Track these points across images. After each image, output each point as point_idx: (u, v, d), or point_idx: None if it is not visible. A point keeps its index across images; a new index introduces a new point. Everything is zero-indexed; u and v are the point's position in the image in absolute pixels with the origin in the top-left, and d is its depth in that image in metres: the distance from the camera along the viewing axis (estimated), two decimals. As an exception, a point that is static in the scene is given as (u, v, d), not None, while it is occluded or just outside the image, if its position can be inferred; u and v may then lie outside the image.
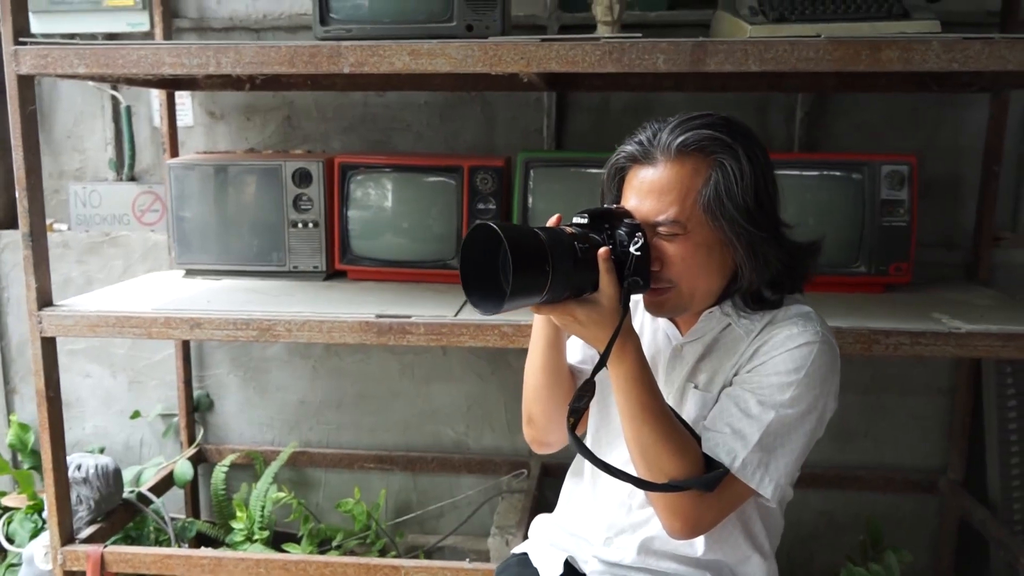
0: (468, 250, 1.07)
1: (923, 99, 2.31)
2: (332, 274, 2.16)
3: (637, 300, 1.34)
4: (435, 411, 2.53)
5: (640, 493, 1.28)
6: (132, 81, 2.26)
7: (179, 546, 2.26)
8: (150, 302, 1.88)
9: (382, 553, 2.38)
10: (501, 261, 1.06)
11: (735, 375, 1.22)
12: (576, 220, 1.18)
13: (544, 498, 2.33)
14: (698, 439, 1.19)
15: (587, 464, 1.36)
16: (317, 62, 1.64)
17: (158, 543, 2.28)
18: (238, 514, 2.33)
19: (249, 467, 2.54)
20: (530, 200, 2.05)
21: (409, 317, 1.75)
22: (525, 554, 1.43)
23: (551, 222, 1.18)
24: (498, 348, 2.47)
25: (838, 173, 2.05)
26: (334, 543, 2.38)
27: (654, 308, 1.24)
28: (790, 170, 2.03)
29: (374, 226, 2.11)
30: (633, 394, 1.14)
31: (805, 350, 1.16)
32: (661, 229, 1.16)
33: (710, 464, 1.15)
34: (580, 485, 1.42)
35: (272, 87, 2.34)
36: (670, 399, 1.29)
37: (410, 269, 2.11)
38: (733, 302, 1.24)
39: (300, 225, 2.10)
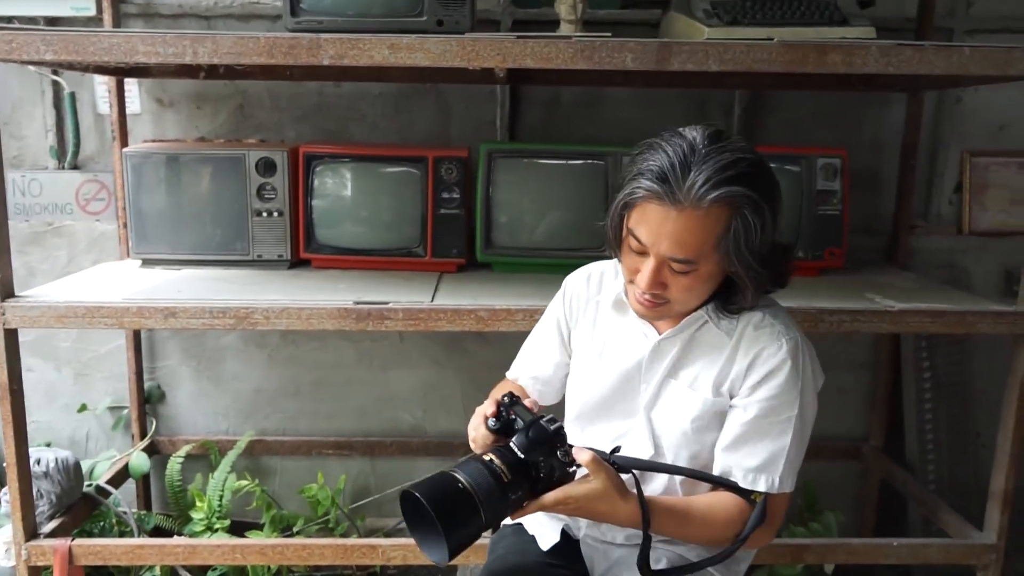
0: (406, 511, 1.16)
1: (847, 98, 2.49)
2: (296, 263, 2.18)
3: (613, 290, 1.45)
4: (392, 397, 2.58)
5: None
6: (74, 67, 2.21)
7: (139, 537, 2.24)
8: (117, 292, 1.86)
9: (344, 536, 2.42)
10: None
11: (732, 385, 1.32)
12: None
13: (505, 477, 2.41)
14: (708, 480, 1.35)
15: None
16: (296, 54, 1.67)
17: (121, 536, 2.25)
18: (197, 504, 2.32)
19: (203, 458, 2.53)
20: (492, 190, 2.13)
21: (387, 303, 1.80)
22: (519, 524, 1.51)
23: (487, 415, 1.27)
24: (455, 335, 2.56)
25: (776, 165, 2.20)
26: (295, 529, 2.40)
27: (644, 312, 1.33)
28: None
29: (339, 215, 2.15)
30: (668, 527, 1.26)
31: (795, 361, 1.29)
32: (673, 265, 1.22)
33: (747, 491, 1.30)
34: None
35: (226, 76, 2.34)
36: (648, 393, 1.39)
37: (376, 257, 2.15)
38: (714, 305, 1.34)
39: (264, 214, 2.11)
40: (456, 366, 2.57)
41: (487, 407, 1.28)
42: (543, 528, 1.47)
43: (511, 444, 1.20)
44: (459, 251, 2.14)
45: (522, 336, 1.65)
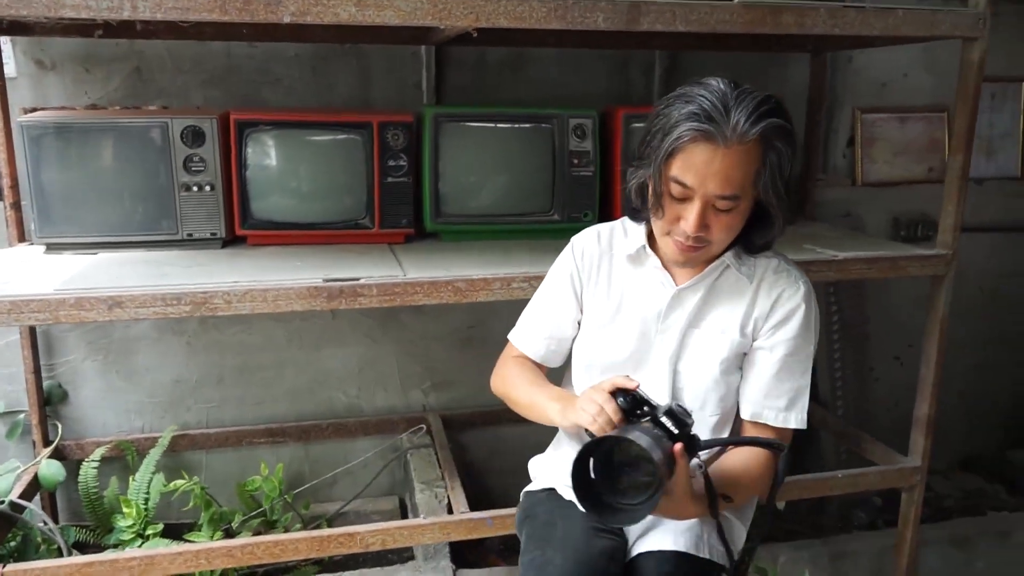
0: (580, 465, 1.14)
1: (754, 59, 2.60)
2: (229, 241, 2.00)
3: (626, 246, 1.46)
4: (326, 376, 2.46)
5: None
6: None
7: (71, 555, 2.02)
8: (38, 282, 1.64)
9: (287, 529, 2.29)
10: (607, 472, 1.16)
11: (755, 325, 1.40)
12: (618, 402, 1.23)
13: (459, 447, 2.38)
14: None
15: None
16: (253, 9, 1.51)
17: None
18: (125, 510, 2.11)
19: (118, 460, 2.30)
20: (440, 156, 2.05)
21: (358, 279, 1.70)
22: (551, 489, 1.50)
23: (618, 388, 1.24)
24: (388, 307, 2.47)
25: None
26: (234, 525, 2.25)
27: (682, 259, 1.37)
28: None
29: (277, 187, 1.99)
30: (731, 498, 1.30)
31: (810, 303, 1.41)
32: (718, 203, 1.28)
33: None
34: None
35: (121, 34, 2.09)
36: (669, 343, 1.43)
37: (319, 231, 2.02)
38: (735, 251, 1.40)
39: (193, 188, 1.92)
40: (392, 340, 2.49)
41: (606, 387, 1.25)
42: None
43: (663, 421, 1.19)
44: (408, 221, 2.05)
45: (473, 306, 1.63)
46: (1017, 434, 3.04)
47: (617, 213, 2.18)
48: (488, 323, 2.53)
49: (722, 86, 1.28)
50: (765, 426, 1.40)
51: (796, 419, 1.40)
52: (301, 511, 2.34)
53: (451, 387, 2.56)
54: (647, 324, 1.45)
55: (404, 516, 2.47)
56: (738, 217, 1.32)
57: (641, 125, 2.13)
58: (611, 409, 1.21)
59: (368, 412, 2.51)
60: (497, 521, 1.89)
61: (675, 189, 1.29)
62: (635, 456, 1.14)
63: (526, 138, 2.11)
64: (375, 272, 1.75)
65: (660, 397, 1.45)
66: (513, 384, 1.53)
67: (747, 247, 1.41)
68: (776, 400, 1.39)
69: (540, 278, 1.76)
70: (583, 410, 1.24)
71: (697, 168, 1.26)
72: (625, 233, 1.51)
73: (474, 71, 2.43)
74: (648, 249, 1.46)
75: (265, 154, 1.96)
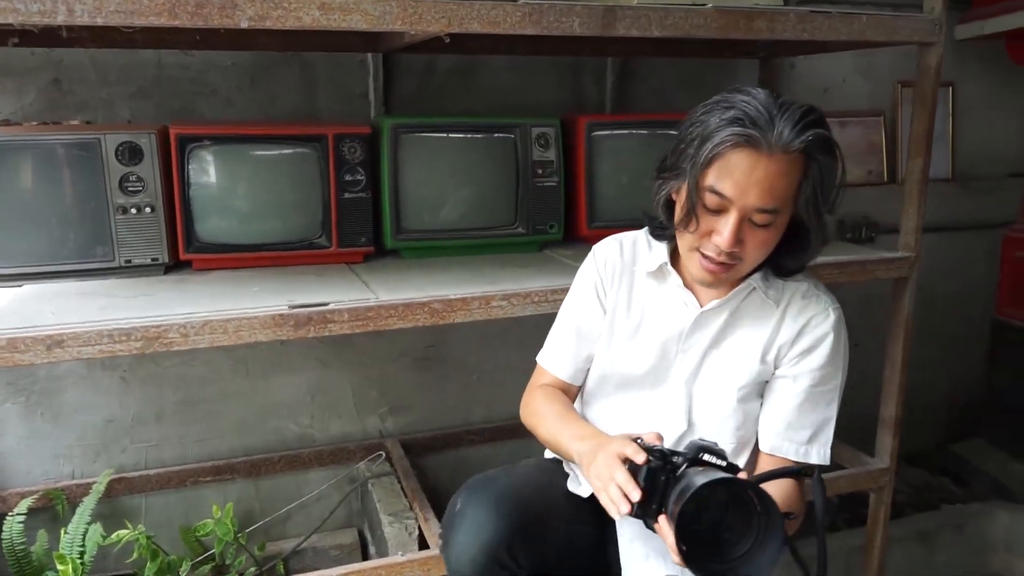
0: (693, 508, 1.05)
1: (704, 64, 2.60)
2: (172, 266, 1.83)
3: (648, 262, 1.42)
4: (275, 406, 2.30)
5: None
6: None
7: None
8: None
9: (241, 574, 2.12)
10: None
11: (778, 352, 1.34)
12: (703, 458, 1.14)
13: (420, 472, 2.26)
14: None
15: (603, 418, 1.42)
16: (207, 14, 1.37)
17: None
18: (59, 567, 1.90)
19: (47, 510, 2.08)
20: (400, 169, 1.94)
21: (327, 304, 1.57)
22: (556, 460, 1.47)
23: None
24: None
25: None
26: (183, 574, 2.06)
27: (711, 279, 1.30)
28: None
29: (224, 207, 1.83)
30: None
31: (840, 332, 1.35)
32: (756, 217, 1.21)
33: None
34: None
35: (40, 42, 1.89)
36: (688, 364, 1.37)
37: (272, 252, 1.87)
38: (763, 273, 1.34)
39: (131, 211, 1.74)
40: (344, 364, 2.34)
41: (616, 452, 1.15)
42: (586, 483, 1.38)
43: (705, 459, 1.11)
44: (368, 239, 1.93)
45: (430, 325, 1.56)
46: (956, 428, 3.14)
47: (583, 225, 2.13)
48: (447, 342, 2.43)
49: (764, 94, 1.23)
50: (784, 460, 1.34)
51: (818, 453, 1.34)
52: (256, 552, 2.17)
53: (409, 411, 2.44)
54: (668, 344, 1.39)
55: (364, 549, 2.34)
56: (774, 234, 1.26)
57: (604, 133, 2.12)
58: (622, 480, 1.10)
59: (322, 441, 2.36)
60: (479, 554, 1.78)
61: (711, 200, 1.23)
62: (722, 501, 1.06)
63: (488, 148, 2.02)
64: (342, 296, 1.63)
65: (676, 420, 1.39)
66: (540, 419, 1.44)
67: (776, 269, 1.35)
68: (798, 433, 1.33)
69: (519, 296, 1.69)
70: (596, 482, 1.15)
71: (736, 177, 1.20)
72: (649, 246, 1.45)
73: (423, 79, 2.32)
74: (670, 267, 1.40)
75: (211, 171, 1.81)
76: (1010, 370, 2.75)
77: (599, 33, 1.63)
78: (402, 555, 1.75)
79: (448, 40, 1.55)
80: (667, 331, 1.38)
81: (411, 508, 2.05)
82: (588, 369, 1.49)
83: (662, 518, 1.10)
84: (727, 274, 1.28)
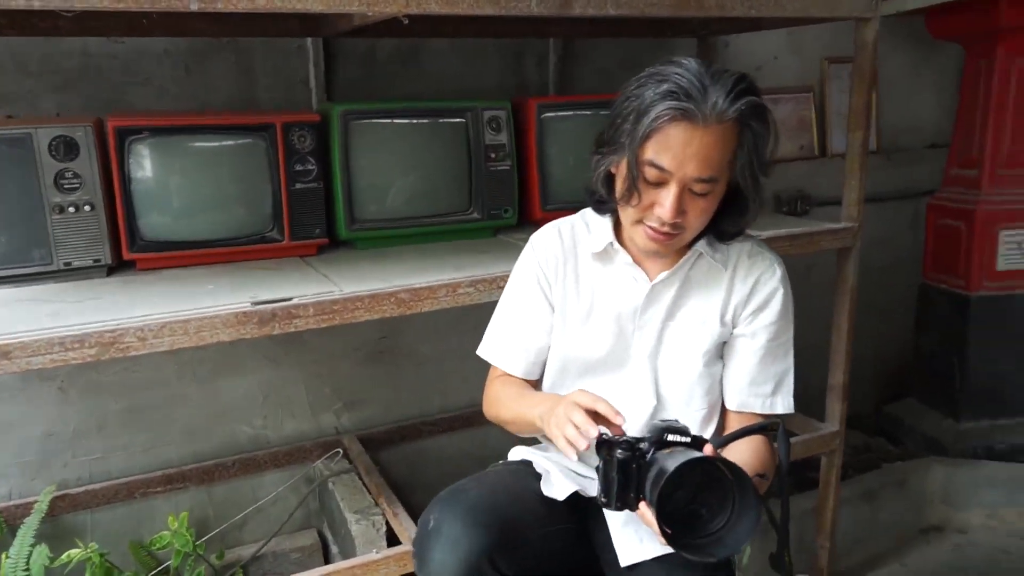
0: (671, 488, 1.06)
1: (643, 44, 2.61)
2: (115, 267, 1.73)
3: (592, 243, 1.41)
4: (225, 409, 2.21)
5: None
6: None
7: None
8: None
9: (201, 582, 2.04)
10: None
11: (734, 312, 1.37)
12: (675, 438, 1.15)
13: (383, 468, 2.21)
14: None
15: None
16: (154, -4, 1.30)
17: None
18: (4, 594, 1.79)
19: (-16, 534, 1.95)
20: (351, 157, 1.88)
21: (291, 299, 1.51)
22: (526, 463, 1.43)
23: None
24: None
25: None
26: (138, 590, 1.97)
27: (654, 248, 1.31)
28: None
29: (169, 202, 1.74)
30: None
31: (787, 285, 1.39)
32: (696, 187, 1.22)
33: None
34: None
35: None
36: (647, 340, 1.38)
37: (221, 248, 1.79)
38: (708, 238, 1.36)
39: (69, 209, 1.64)
40: (296, 362, 2.27)
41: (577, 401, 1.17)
42: (560, 484, 1.37)
43: (670, 439, 1.13)
44: (321, 230, 1.87)
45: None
46: (888, 390, 3.27)
47: (536, 209, 2.12)
48: (400, 333, 2.38)
49: (696, 64, 1.22)
50: (752, 415, 1.38)
51: (783, 403, 1.38)
52: (215, 562, 2.09)
53: (364, 405, 2.39)
54: (623, 322, 1.40)
55: (325, 551, 2.28)
56: (713, 201, 1.27)
57: (553, 115, 2.11)
58: (580, 420, 1.13)
59: (276, 442, 2.29)
60: (455, 545, 1.76)
61: (651, 173, 1.23)
62: (695, 479, 1.07)
63: (440, 133, 1.98)
64: (303, 290, 1.57)
65: (645, 397, 1.39)
66: (500, 404, 1.43)
67: (719, 234, 1.36)
68: (761, 387, 1.37)
69: (486, 281, 1.66)
70: (554, 430, 1.17)
71: (675, 151, 1.20)
72: (588, 229, 1.44)
73: (365, 65, 2.26)
74: (616, 244, 1.40)
75: (153, 165, 1.71)
76: (937, 332, 2.88)
77: (556, 13, 1.61)
78: (377, 552, 1.72)
79: (407, 21, 1.51)
80: (620, 310, 1.38)
81: (376, 504, 2.01)
82: (543, 362, 1.47)
83: (643, 505, 1.11)
84: (672, 242, 1.29)
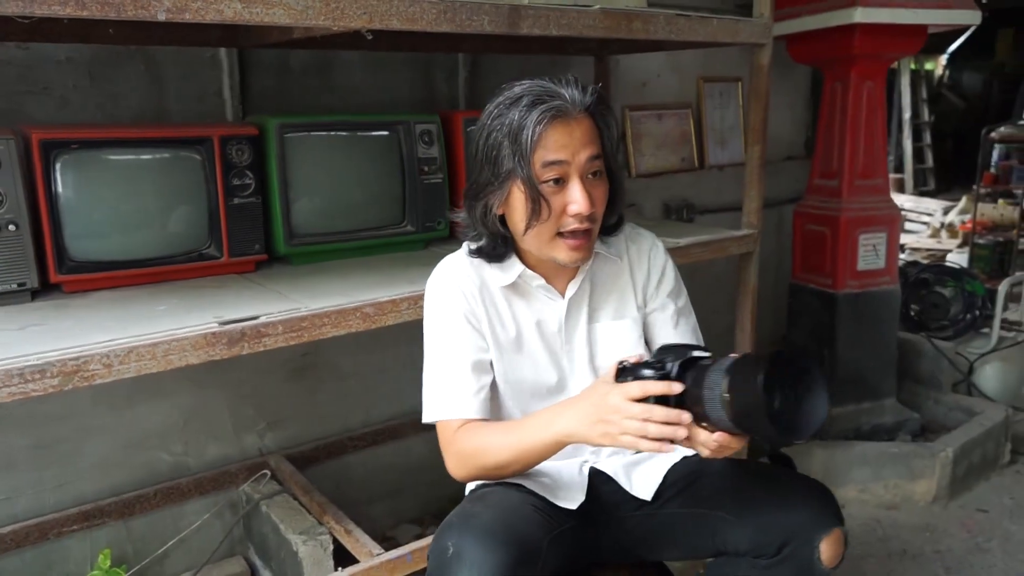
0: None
1: (543, 60, 2.71)
2: (38, 291, 1.60)
3: (502, 278, 1.45)
4: (143, 437, 2.08)
5: None
6: None
7: None
8: None
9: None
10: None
11: (644, 295, 1.51)
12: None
13: (326, 486, 2.16)
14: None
15: None
16: (119, 4, 1.24)
17: None
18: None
19: None
20: (289, 171, 1.85)
21: (258, 318, 1.47)
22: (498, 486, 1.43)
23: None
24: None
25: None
26: (60, 639, 1.82)
27: (582, 254, 1.37)
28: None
29: (100, 220, 1.64)
30: None
31: (667, 252, 1.56)
32: (591, 167, 1.32)
33: None
34: None
35: None
36: (582, 350, 1.47)
37: (156, 267, 1.71)
38: (599, 238, 1.46)
39: (-9, 230, 1.51)
40: (218, 383, 2.18)
41: (624, 393, 1.18)
42: (570, 489, 1.43)
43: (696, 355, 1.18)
44: (261, 246, 1.82)
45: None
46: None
47: (465, 220, 2.15)
48: (320, 350, 2.34)
49: (531, 80, 1.33)
50: None
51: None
52: (142, 601, 1.97)
53: (288, 424, 2.32)
54: (552, 341, 1.47)
55: (253, 578, 2.20)
56: (606, 184, 1.37)
57: (479, 128, 2.15)
58: (661, 415, 1.14)
59: (197, 468, 2.18)
60: (416, 554, 1.77)
61: (550, 174, 1.29)
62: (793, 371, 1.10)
63: (374, 147, 1.99)
64: (262, 308, 1.53)
65: None
66: (487, 451, 1.34)
67: (604, 229, 1.45)
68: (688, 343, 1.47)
69: (444, 293, 1.68)
70: (625, 438, 1.17)
71: (563, 142, 1.29)
72: (485, 266, 1.45)
73: (278, 76, 2.22)
74: (528, 271, 1.43)
75: (82, 181, 1.61)
76: (807, 326, 3.18)
77: (506, 31, 1.67)
78: (341, 571, 1.69)
79: (370, 37, 1.51)
80: (545, 330, 1.45)
81: (320, 523, 1.97)
82: (488, 399, 1.43)
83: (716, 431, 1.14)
84: (589, 242, 1.37)
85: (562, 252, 1.36)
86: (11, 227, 1.52)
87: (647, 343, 1.52)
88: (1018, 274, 3.73)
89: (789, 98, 3.60)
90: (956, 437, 2.90)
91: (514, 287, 1.45)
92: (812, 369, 1.11)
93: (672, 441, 1.16)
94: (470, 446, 1.36)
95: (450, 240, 2.15)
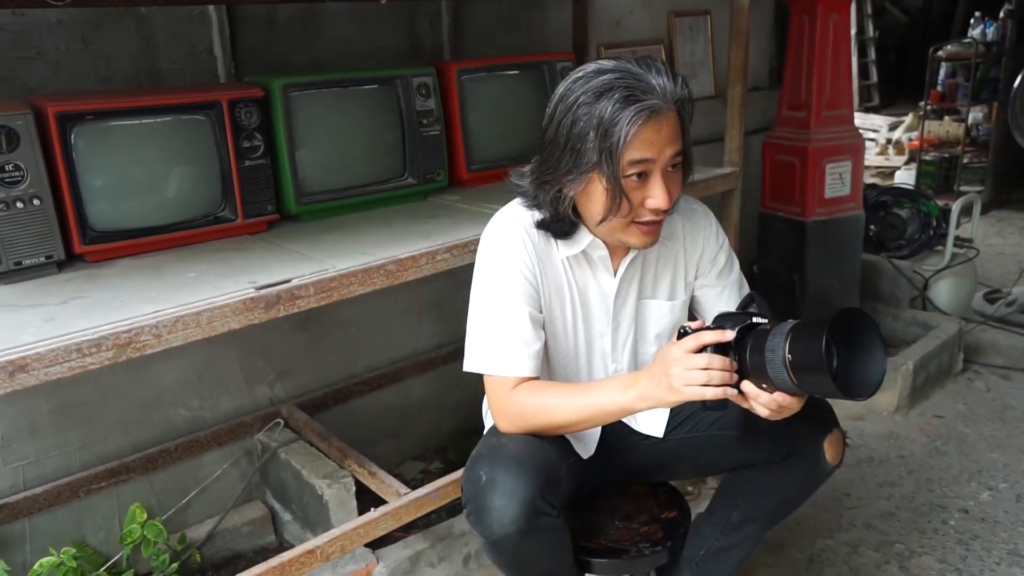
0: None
1: (517, 4, 2.73)
2: (63, 263, 1.63)
3: (565, 248, 1.48)
4: (160, 395, 2.14)
5: None
6: None
7: None
8: None
9: (184, 570, 2.01)
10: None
11: (697, 270, 1.57)
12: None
13: (333, 430, 2.25)
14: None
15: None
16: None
17: None
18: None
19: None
20: (295, 131, 1.88)
21: (290, 280, 1.54)
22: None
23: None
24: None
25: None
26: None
27: (653, 238, 1.41)
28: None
29: (120, 189, 1.66)
30: None
31: (718, 224, 1.61)
32: (672, 163, 1.33)
33: None
34: None
35: None
36: (625, 320, 1.55)
37: (174, 233, 1.74)
38: None
39: (16, 205, 1.52)
40: (229, 338, 2.23)
41: (687, 347, 1.24)
42: (583, 440, 1.55)
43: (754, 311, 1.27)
44: (273, 207, 1.86)
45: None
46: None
47: (463, 170, 2.21)
48: (324, 299, 2.40)
49: (625, 63, 1.31)
50: None
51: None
52: (177, 546, 2.06)
53: (295, 374, 2.40)
54: (601, 313, 1.53)
55: (275, 522, 2.30)
56: (681, 174, 1.39)
57: (472, 77, 2.19)
58: (718, 363, 1.21)
59: (213, 421, 2.25)
60: (440, 492, 1.89)
61: (635, 169, 1.30)
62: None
63: (375, 101, 2.02)
64: (288, 269, 1.59)
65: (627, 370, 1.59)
66: (550, 411, 1.38)
67: None
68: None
69: (459, 247, 1.76)
70: (688, 389, 1.22)
71: (652, 142, 1.29)
72: (548, 234, 1.47)
73: (266, 32, 2.20)
74: (597, 240, 1.45)
75: (99, 151, 1.62)
76: (777, 253, 3.33)
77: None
78: (374, 511, 1.81)
79: None
80: (597, 304, 1.52)
81: (341, 467, 2.07)
82: (542, 356, 1.46)
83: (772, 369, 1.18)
84: (661, 227, 1.42)
85: (635, 237, 1.39)
86: (35, 201, 1.54)
87: (703, 315, 1.59)
88: (970, 194, 3.92)
89: (753, 28, 3.66)
90: (915, 351, 3.11)
91: (576, 259, 1.48)
92: (870, 330, 1.17)
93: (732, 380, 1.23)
94: (532, 404, 1.39)
95: (448, 190, 2.20)
